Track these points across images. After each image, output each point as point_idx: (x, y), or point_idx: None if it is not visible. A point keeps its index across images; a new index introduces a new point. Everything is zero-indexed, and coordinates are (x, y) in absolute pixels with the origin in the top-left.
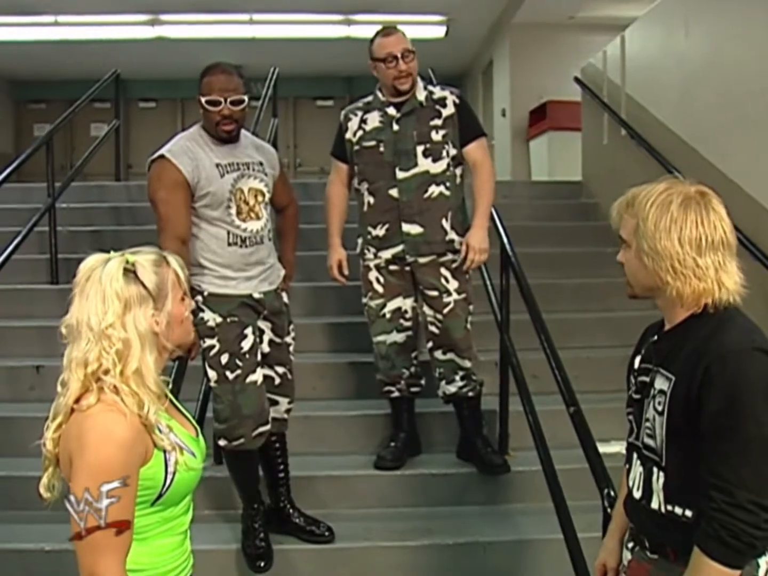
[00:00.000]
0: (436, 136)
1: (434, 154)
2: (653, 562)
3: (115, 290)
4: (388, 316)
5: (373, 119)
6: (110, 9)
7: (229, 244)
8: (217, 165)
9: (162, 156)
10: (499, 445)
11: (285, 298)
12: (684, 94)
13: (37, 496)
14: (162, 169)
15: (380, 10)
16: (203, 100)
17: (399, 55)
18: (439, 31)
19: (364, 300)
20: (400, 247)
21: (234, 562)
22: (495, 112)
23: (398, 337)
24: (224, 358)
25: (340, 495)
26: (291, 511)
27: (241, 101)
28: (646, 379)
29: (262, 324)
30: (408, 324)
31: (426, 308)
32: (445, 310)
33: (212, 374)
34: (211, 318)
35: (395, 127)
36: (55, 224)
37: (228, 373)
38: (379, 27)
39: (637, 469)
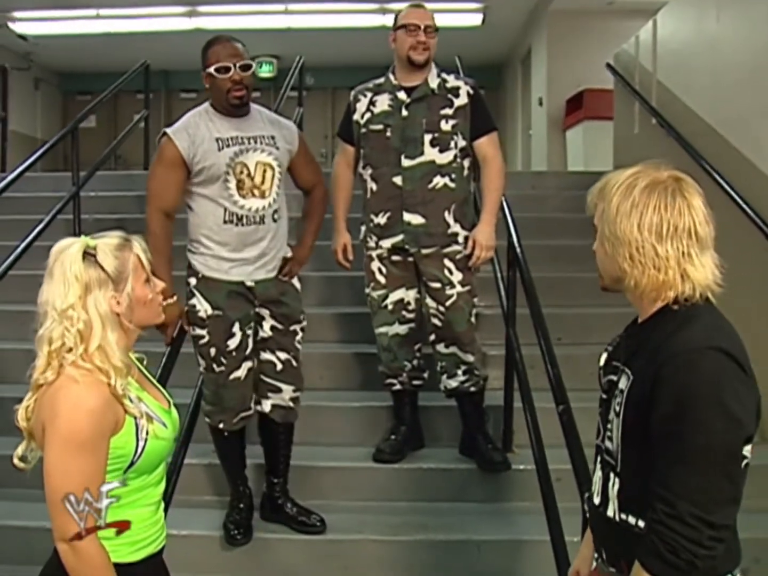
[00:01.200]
0: (446, 126)
1: (442, 144)
2: (612, 574)
3: (74, 273)
4: (390, 307)
5: (383, 102)
6: (148, 1)
7: (225, 222)
8: (218, 139)
9: (165, 133)
10: (503, 441)
11: (297, 285)
12: (714, 80)
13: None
14: (163, 146)
15: None
16: (213, 68)
17: (422, 27)
18: (476, 19)
19: (367, 290)
20: (399, 237)
21: (234, 547)
22: (533, 101)
23: (400, 328)
24: (212, 351)
25: (338, 486)
26: (284, 501)
27: (250, 66)
28: (614, 378)
29: (261, 310)
30: (411, 316)
31: (429, 300)
32: (448, 303)
33: (201, 362)
34: (201, 309)
35: (404, 112)
36: (79, 212)
37: (215, 366)
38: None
39: (598, 473)
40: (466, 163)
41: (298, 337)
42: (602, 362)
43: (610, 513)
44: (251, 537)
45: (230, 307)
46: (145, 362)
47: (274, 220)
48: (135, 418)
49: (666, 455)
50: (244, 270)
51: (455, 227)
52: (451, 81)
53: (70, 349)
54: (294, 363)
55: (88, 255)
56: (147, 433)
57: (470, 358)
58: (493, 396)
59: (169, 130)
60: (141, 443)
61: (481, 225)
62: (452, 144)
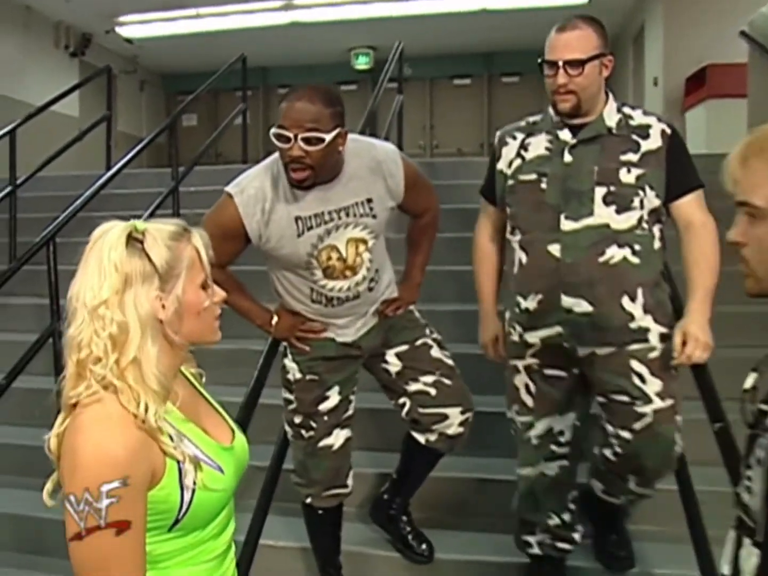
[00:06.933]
0: (627, 177)
1: (620, 202)
2: None
3: (113, 261)
4: (534, 441)
5: (538, 144)
6: None
7: (313, 301)
8: (297, 219)
9: (231, 197)
10: None
11: (415, 312)
12: None
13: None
14: (226, 211)
15: None
16: (271, 132)
17: (560, 63)
18: None
19: (509, 414)
20: (555, 329)
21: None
22: (647, 82)
23: (548, 468)
24: (297, 419)
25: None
26: (399, 515)
27: (319, 140)
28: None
29: (378, 350)
30: (562, 450)
31: (608, 425)
32: (637, 425)
33: (287, 428)
34: (291, 370)
35: (567, 157)
36: (178, 207)
37: (303, 431)
38: None
39: (731, 532)
40: (657, 230)
41: (434, 351)
42: (749, 384)
43: None
44: None
45: (329, 370)
46: (204, 379)
47: (370, 289)
48: (177, 462)
49: None
50: (343, 331)
51: (644, 320)
52: (638, 117)
53: (99, 359)
54: (446, 381)
55: (134, 240)
56: (194, 482)
57: (648, 492)
58: None
59: (236, 198)
60: (187, 495)
61: (692, 314)
62: (636, 202)
